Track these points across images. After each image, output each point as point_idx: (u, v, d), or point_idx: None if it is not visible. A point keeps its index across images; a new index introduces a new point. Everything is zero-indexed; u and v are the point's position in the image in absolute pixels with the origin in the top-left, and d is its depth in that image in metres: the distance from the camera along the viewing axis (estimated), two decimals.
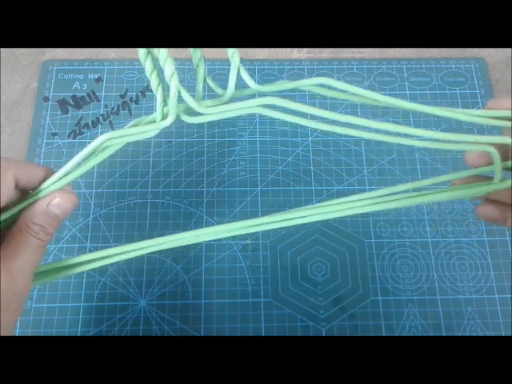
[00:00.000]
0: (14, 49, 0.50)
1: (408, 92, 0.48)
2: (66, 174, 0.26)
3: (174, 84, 0.24)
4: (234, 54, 0.24)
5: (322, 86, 0.27)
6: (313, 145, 0.45)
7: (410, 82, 0.48)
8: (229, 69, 0.41)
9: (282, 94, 0.26)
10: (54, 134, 0.45)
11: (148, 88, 0.47)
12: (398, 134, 0.27)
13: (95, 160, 0.27)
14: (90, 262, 0.28)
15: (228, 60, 0.25)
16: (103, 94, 0.47)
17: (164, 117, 0.26)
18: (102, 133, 0.46)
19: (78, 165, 0.26)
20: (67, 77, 0.48)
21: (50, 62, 0.49)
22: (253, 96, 0.27)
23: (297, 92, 0.47)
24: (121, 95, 0.47)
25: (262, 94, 0.26)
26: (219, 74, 0.48)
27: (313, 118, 0.26)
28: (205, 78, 0.26)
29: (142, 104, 0.47)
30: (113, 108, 0.46)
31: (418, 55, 0.50)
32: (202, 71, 0.25)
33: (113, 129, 0.45)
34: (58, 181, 0.26)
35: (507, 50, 0.51)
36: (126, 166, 0.44)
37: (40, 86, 0.47)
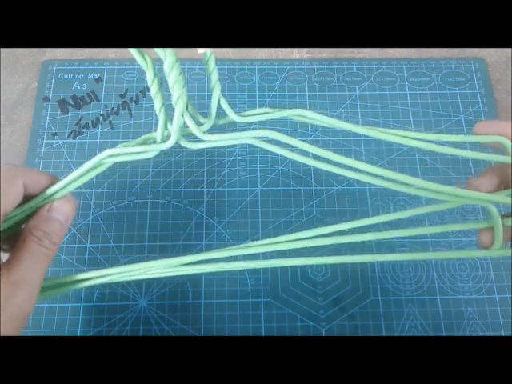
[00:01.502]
0: (14, 49, 0.50)
1: (408, 92, 0.48)
2: (66, 184, 0.27)
3: (178, 109, 0.24)
4: (215, 84, 0.25)
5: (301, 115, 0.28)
6: (313, 145, 0.45)
7: (409, 81, 0.48)
8: (228, 68, 0.42)
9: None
10: (54, 134, 0.45)
11: (148, 88, 0.47)
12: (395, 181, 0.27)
13: (94, 172, 0.27)
14: (98, 278, 0.29)
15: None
16: (103, 93, 0.47)
17: (164, 139, 0.26)
18: (102, 133, 0.46)
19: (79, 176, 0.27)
20: (67, 77, 0.48)
21: (49, 61, 0.49)
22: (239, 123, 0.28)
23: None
24: (121, 95, 0.47)
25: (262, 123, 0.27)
26: (219, 73, 0.48)
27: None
28: (187, 107, 0.26)
29: (142, 104, 0.47)
30: (113, 108, 0.46)
31: (418, 55, 0.50)
32: (180, 108, 0.25)
33: (113, 129, 0.45)
34: (59, 190, 0.27)
35: (507, 50, 0.50)
36: (125, 166, 0.44)
37: (40, 86, 0.47)
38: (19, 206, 0.26)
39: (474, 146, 0.45)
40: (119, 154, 0.27)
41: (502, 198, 0.26)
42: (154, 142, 0.27)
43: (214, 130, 0.28)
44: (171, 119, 0.25)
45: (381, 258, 0.28)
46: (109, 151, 0.26)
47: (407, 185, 0.27)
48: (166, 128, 0.26)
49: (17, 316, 0.24)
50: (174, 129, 0.25)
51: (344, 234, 0.28)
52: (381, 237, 0.28)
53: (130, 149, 0.27)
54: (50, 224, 0.26)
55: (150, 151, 0.27)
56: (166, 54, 0.23)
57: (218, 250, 0.29)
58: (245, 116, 0.27)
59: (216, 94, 0.25)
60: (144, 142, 0.27)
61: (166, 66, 0.23)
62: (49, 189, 0.27)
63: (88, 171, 0.27)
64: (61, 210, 0.26)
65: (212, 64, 0.24)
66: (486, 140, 0.27)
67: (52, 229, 0.25)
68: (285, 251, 0.29)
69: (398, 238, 0.42)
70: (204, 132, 0.27)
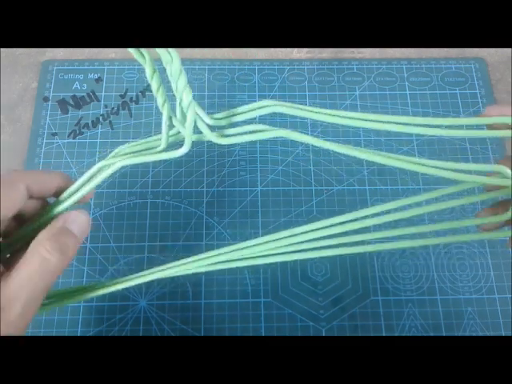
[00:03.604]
0: (14, 49, 0.50)
1: (408, 92, 0.48)
2: (77, 189, 0.27)
3: (191, 114, 0.24)
4: (184, 89, 0.23)
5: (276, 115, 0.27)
6: (313, 144, 0.45)
7: (409, 81, 0.48)
8: (228, 68, 0.42)
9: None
10: (54, 134, 0.45)
11: (148, 88, 0.47)
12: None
13: (102, 176, 0.27)
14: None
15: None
16: (103, 93, 0.47)
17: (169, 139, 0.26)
18: (102, 133, 0.46)
19: (88, 180, 0.27)
20: (67, 77, 0.48)
21: (49, 61, 0.49)
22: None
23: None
24: (121, 95, 0.47)
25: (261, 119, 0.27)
26: (219, 73, 0.48)
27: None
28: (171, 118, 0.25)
29: (142, 104, 0.47)
30: (113, 108, 0.46)
31: (418, 55, 0.50)
32: (193, 113, 0.24)
33: (113, 129, 0.45)
34: (72, 194, 0.27)
35: (507, 50, 0.50)
36: (126, 166, 0.44)
37: (40, 86, 0.47)
38: (32, 208, 0.26)
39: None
40: (130, 158, 0.27)
41: None
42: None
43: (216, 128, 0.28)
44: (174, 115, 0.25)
45: (380, 248, 0.28)
46: (120, 163, 0.26)
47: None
48: (171, 123, 0.25)
49: (7, 332, 0.22)
50: (186, 135, 0.24)
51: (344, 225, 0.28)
52: (383, 220, 0.28)
53: (141, 158, 0.26)
54: (64, 237, 0.24)
55: (161, 156, 0.26)
56: (173, 59, 0.22)
57: (215, 250, 0.29)
58: (216, 119, 0.27)
59: (187, 98, 0.23)
60: (149, 144, 0.27)
61: (174, 71, 0.22)
62: (62, 200, 0.26)
63: (94, 175, 0.27)
64: (77, 222, 0.24)
65: (178, 65, 0.23)
66: (497, 121, 0.26)
67: (67, 242, 0.24)
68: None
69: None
70: (214, 132, 0.26)
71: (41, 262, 0.22)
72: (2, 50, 0.49)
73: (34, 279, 0.22)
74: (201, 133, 0.26)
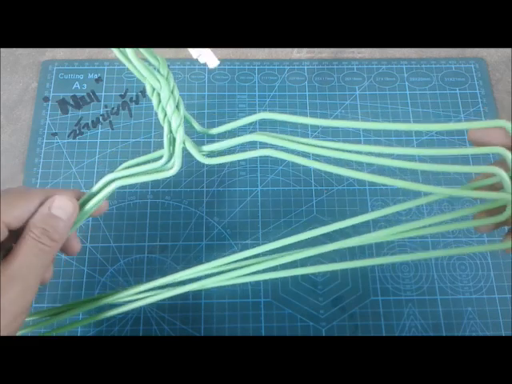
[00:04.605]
0: (14, 49, 0.50)
1: (408, 92, 0.48)
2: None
3: (179, 136, 0.25)
4: (178, 128, 0.25)
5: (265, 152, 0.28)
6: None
7: (409, 82, 0.48)
8: (228, 68, 0.42)
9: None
10: (54, 134, 0.45)
11: None
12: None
13: (105, 192, 0.28)
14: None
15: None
16: (103, 94, 0.47)
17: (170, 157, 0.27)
18: (102, 133, 0.46)
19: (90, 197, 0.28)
20: (67, 77, 0.48)
21: (49, 61, 0.49)
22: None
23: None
24: (121, 95, 0.47)
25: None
26: (219, 73, 0.48)
27: None
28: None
29: (141, 104, 0.47)
30: (113, 108, 0.46)
31: (418, 55, 0.50)
32: (181, 135, 0.26)
33: (113, 129, 0.45)
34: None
35: (507, 50, 0.50)
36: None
37: (40, 86, 0.47)
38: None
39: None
40: (125, 177, 0.27)
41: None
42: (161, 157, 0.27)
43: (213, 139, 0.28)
44: None
45: (384, 261, 0.29)
46: (113, 176, 0.27)
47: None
48: (172, 134, 0.26)
49: (9, 310, 0.23)
50: (176, 157, 0.26)
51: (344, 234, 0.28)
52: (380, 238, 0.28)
53: (136, 178, 0.27)
54: (50, 221, 0.25)
55: (156, 175, 0.27)
56: (162, 86, 0.23)
57: (217, 261, 0.30)
58: (214, 159, 0.28)
59: (175, 122, 0.25)
60: (151, 159, 0.28)
61: (163, 97, 0.23)
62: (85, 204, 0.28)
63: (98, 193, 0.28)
64: (62, 208, 0.26)
65: (167, 91, 0.24)
66: (483, 151, 0.27)
67: (52, 226, 0.25)
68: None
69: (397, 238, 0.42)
70: (204, 154, 0.27)
71: (34, 244, 0.24)
72: (2, 50, 0.49)
73: (29, 262, 0.24)
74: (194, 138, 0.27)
